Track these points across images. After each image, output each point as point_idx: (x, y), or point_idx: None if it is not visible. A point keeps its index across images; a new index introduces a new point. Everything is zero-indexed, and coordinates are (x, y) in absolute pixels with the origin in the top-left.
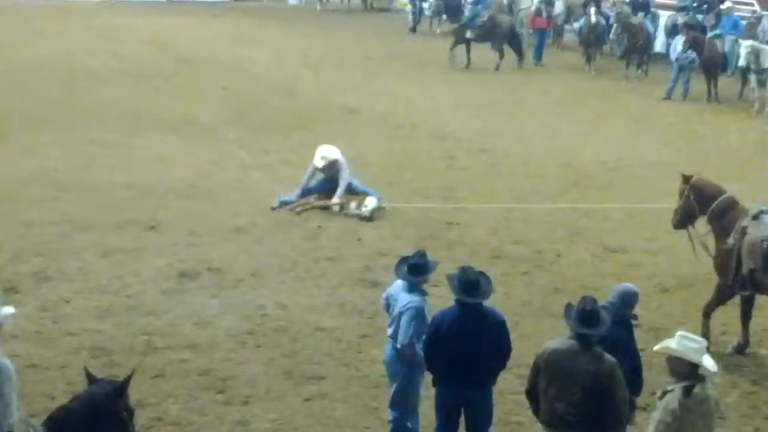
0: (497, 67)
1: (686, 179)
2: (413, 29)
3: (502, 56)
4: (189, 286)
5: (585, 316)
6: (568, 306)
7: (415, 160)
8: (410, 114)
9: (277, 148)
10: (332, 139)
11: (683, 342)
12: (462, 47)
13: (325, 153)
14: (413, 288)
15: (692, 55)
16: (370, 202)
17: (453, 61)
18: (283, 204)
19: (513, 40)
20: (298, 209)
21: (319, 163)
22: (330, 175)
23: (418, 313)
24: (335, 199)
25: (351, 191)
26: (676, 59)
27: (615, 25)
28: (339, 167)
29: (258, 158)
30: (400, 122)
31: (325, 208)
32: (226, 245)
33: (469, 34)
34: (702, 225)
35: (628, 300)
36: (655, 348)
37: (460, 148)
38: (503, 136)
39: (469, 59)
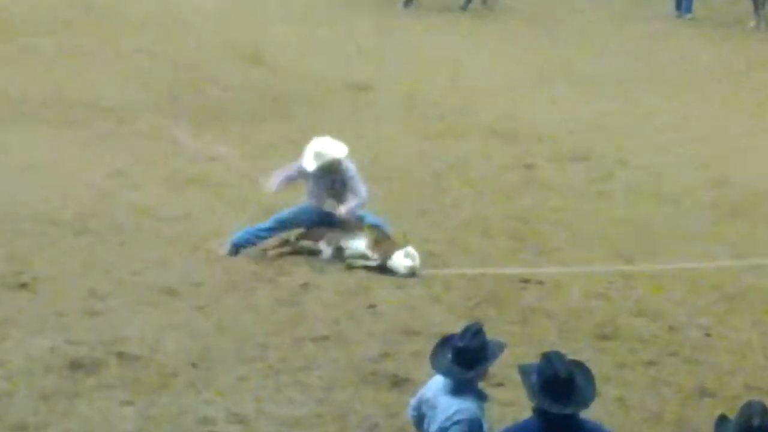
0: None
1: None
2: None
3: None
4: (86, 383)
5: None
6: (722, 419)
7: (465, 171)
8: (456, 93)
9: (234, 150)
10: (327, 134)
11: None
12: None
13: (322, 148)
14: (463, 388)
15: None
16: (404, 259)
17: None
18: (241, 246)
19: None
20: (271, 252)
21: (310, 163)
22: (330, 191)
23: (472, 430)
24: (343, 209)
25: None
26: None
27: None
28: (345, 171)
29: (200, 167)
30: (441, 107)
31: (316, 248)
32: (146, 316)
33: None
34: None
35: None
36: None
37: (542, 151)
38: (615, 133)
39: None
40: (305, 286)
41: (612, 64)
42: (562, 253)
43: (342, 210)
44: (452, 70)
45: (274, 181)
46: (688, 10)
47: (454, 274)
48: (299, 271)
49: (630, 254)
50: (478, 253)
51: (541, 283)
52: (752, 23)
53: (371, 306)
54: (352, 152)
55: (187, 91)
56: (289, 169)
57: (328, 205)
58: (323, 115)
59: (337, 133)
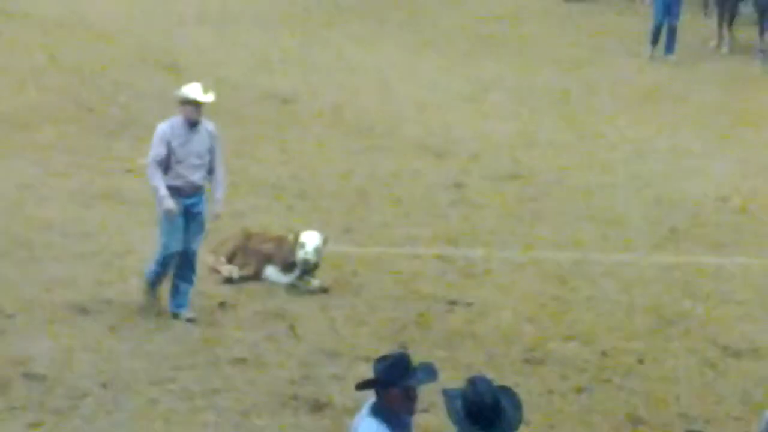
0: None
1: None
2: None
3: None
4: None
5: None
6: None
7: (393, 189)
8: (386, 107)
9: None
10: (251, 148)
11: None
12: None
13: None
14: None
15: None
16: (310, 242)
17: None
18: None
19: None
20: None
21: (200, 94)
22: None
23: None
24: (218, 206)
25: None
26: None
27: None
28: (212, 133)
29: (113, 180)
30: (369, 121)
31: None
32: (55, 335)
33: None
34: None
35: None
36: None
37: (474, 169)
38: (550, 151)
39: None
40: (223, 305)
41: (546, 78)
42: (492, 276)
43: (217, 206)
44: (380, 82)
45: (152, 178)
46: (671, 50)
47: (379, 292)
48: (217, 289)
49: (564, 277)
50: (405, 274)
51: (469, 305)
52: (712, 42)
53: (291, 327)
54: (274, 167)
55: (96, 98)
56: (158, 142)
57: (198, 176)
58: (242, 127)
59: (257, 147)
